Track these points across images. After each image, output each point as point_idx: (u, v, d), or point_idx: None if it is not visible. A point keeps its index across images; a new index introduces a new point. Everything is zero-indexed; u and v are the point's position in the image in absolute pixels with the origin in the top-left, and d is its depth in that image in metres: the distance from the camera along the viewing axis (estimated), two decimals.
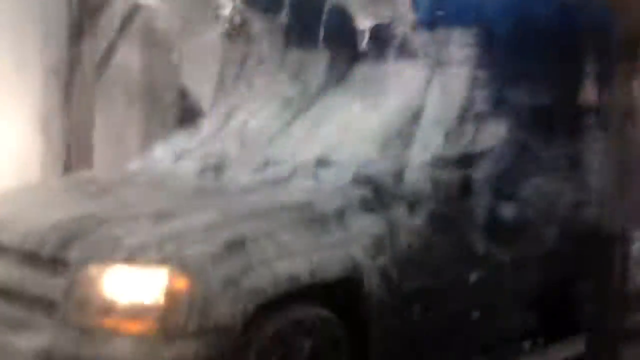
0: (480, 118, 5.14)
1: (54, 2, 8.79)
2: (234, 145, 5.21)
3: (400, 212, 4.81)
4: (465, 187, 4.99)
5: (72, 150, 8.71)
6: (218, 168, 4.97)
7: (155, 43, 9.01)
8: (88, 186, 5.03)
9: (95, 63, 8.98)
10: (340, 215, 4.57)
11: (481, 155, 5.11)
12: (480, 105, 5.17)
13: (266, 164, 5.05)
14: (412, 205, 4.87)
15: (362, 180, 4.80)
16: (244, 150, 5.19)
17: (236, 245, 4.14)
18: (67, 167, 8.51)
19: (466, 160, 5.05)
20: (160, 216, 4.26)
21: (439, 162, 4.93)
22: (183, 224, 4.20)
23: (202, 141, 5.40)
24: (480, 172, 5.07)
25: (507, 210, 5.24)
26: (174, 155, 5.33)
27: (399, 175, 4.91)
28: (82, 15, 8.89)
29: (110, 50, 9.03)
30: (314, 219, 4.48)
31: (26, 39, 8.56)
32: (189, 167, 5.04)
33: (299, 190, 4.72)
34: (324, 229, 4.49)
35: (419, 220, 4.86)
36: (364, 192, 4.74)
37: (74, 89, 8.89)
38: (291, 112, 5.43)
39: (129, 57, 9.12)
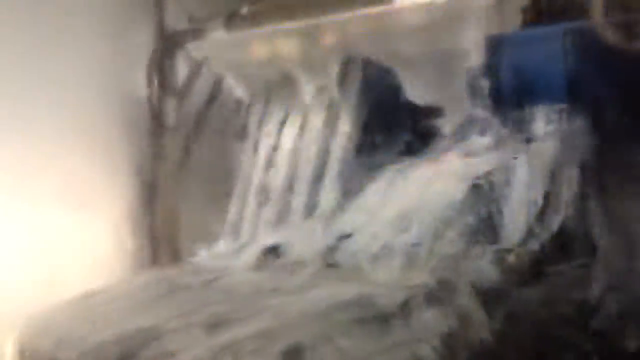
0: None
1: (135, 99, 8.76)
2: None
3: (469, 303, 4.45)
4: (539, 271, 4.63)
5: (161, 248, 8.59)
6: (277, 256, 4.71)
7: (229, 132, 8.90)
8: (152, 289, 4.85)
9: (176, 157, 8.90)
10: (404, 310, 4.27)
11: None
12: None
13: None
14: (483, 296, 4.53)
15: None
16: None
17: (292, 355, 3.89)
18: (156, 264, 8.42)
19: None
20: (215, 325, 4.05)
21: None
22: (237, 333, 3.98)
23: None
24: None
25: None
26: (238, 247, 5.13)
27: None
28: (162, 109, 8.85)
29: (190, 142, 8.95)
30: (374, 317, 4.21)
31: (111, 138, 8.51)
32: (248, 260, 4.83)
33: (358, 282, 4.44)
34: (385, 328, 4.18)
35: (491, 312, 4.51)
36: (429, 281, 4.42)
37: (158, 185, 8.83)
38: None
39: (206, 148, 9.00)
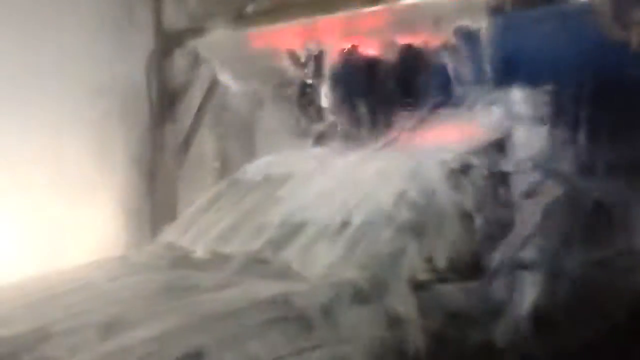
0: None
1: (134, 95, 8.30)
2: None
3: (403, 302, 3.85)
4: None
5: None
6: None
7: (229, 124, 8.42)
8: (63, 284, 4.26)
9: (176, 150, 8.40)
10: (328, 310, 3.63)
11: None
12: None
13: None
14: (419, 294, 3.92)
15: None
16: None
17: None
18: None
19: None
20: (111, 326, 3.44)
21: None
22: (133, 335, 3.37)
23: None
24: None
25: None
26: (192, 238, 4.53)
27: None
28: (161, 104, 8.36)
29: (190, 135, 8.45)
30: (292, 317, 3.57)
31: (109, 132, 8.04)
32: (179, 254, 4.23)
33: (280, 279, 3.81)
34: (304, 329, 3.54)
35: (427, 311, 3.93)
36: (359, 279, 3.78)
37: (157, 177, 8.34)
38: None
39: (205, 141, 8.50)
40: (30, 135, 7.20)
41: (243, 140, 8.26)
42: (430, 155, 4.46)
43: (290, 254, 4.06)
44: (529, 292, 4.15)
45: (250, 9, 7.31)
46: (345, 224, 4.13)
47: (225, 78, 7.63)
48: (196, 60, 8.17)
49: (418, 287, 4.02)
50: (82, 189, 7.67)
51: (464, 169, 4.40)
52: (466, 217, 4.26)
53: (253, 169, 4.95)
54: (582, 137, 4.70)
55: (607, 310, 4.47)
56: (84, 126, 7.77)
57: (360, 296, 3.85)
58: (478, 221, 4.30)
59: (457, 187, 4.32)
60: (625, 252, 4.61)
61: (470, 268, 4.08)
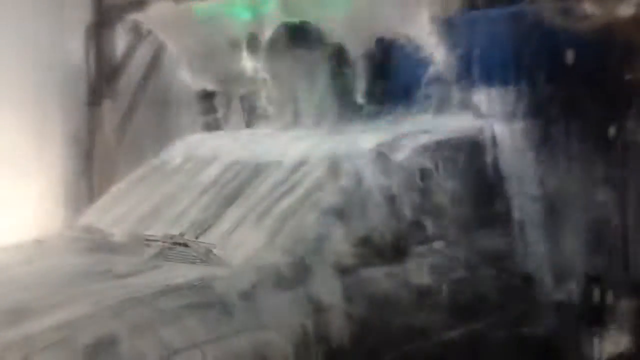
0: None
1: (72, 71, 8.05)
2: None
3: (327, 286, 3.67)
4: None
5: None
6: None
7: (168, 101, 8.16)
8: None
9: (115, 127, 8.13)
10: (249, 294, 3.44)
11: None
12: None
13: None
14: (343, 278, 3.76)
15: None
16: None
17: (102, 348, 3.10)
18: None
19: None
20: (18, 313, 3.21)
21: None
22: (39, 323, 3.14)
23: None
24: None
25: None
26: (111, 220, 4.29)
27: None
28: (100, 81, 8.10)
29: (129, 113, 8.19)
30: (210, 302, 3.37)
31: (45, 108, 7.78)
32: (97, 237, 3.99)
33: (201, 264, 3.61)
34: (223, 314, 3.34)
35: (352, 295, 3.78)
36: (282, 263, 3.59)
37: (95, 155, 8.08)
38: None
39: (146, 119, 8.24)
40: None
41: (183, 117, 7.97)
42: (361, 140, 4.27)
43: (213, 238, 3.85)
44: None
45: None
46: (269, 208, 3.93)
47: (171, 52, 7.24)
48: (137, 35, 7.93)
49: (343, 271, 3.85)
50: (18, 165, 7.44)
51: (393, 154, 4.21)
52: (392, 201, 4.08)
53: (176, 150, 4.71)
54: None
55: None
56: (20, 101, 7.56)
57: (283, 281, 3.67)
58: (404, 205, 4.13)
59: (385, 171, 4.14)
60: None
61: (395, 252, 3.90)
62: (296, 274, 3.72)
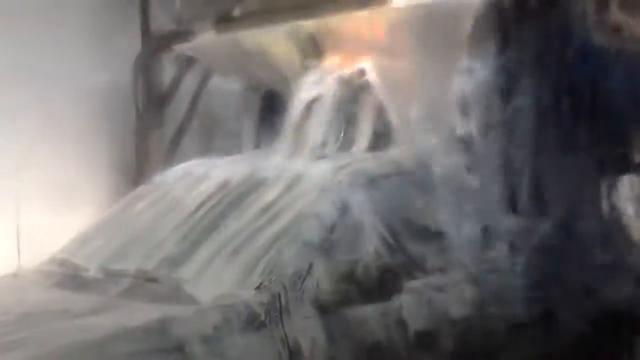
0: None
1: (120, 100, 7.77)
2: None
3: (306, 325, 3.23)
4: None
5: None
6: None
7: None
8: None
9: (162, 155, 7.84)
10: (212, 337, 3.01)
11: None
12: None
13: None
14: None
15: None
16: None
17: None
18: None
19: None
20: None
21: None
22: None
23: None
24: None
25: None
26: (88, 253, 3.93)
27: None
28: (147, 110, 7.82)
29: (176, 141, 7.88)
30: (165, 349, 2.95)
31: (93, 139, 7.55)
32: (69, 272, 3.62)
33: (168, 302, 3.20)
34: None
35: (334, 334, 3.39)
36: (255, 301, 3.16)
37: (142, 183, 7.78)
38: None
39: (192, 148, 7.92)
40: (13, 138, 6.70)
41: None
42: (349, 164, 3.81)
43: (186, 273, 3.44)
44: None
45: (237, 11, 6.59)
46: (249, 239, 3.49)
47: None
48: (183, 64, 7.69)
49: (324, 311, 3.38)
50: (67, 196, 7.19)
51: (382, 179, 3.75)
52: (380, 233, 3.61)
53: (171, 173, 4.32)
54: None
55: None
56: (68, 129, 7.33)
57: (254, 322, 3.21)
58: (393, 238, 3.65)
59: (372, 199, 3.67)
60: None
61: (382, 288, 3.41)
62: (270, 314, 3.28)
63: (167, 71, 7.90)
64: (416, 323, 3.64)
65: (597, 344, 4.05)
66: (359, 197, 3.70)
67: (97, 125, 7.60)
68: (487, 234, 4.05)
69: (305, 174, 3.78)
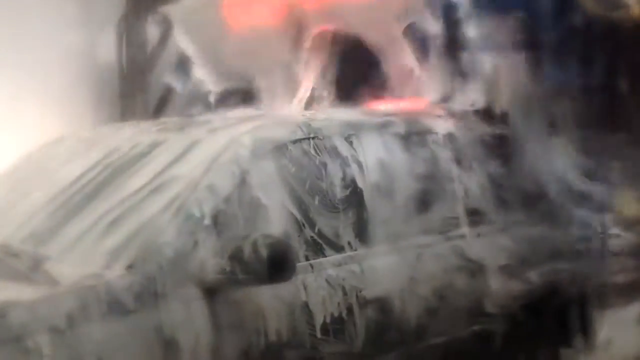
0: None
1: (104, 64, 7.31)
2: None
3: (185, 308, 2.73)
4: None
5: None
6: None
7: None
8: None
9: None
10: (60, 329, 2.46)
11: None
12: None
13: None
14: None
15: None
16: None
17: None
18: None
19: None
20: None
21: None
22: None
23: None
24: None
25: None
26: None
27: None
28: (132, 73, 7.34)
29: (161, 105, 7.37)
30: (3, 339, 2.41)
31: (78, 102, 7.07)
32: None
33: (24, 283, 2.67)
34: (20, 356, 2.39)
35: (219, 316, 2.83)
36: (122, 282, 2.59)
37: None
38: None
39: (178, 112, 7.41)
40: None
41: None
42: (254, 129, 3.21)
43: (52, 249, 2.87)
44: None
45: None
46: (125, 214, 2.92)
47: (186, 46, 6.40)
48: (168, 27, 7.12)
49: (210, 293, 2.80)
50: None
51: (290, 145, 3.15)
52: (284, 207, 3.02)
53: (64, 141, 3.75)
54: None
55: None
56: (52, 95, 6.95)
57: (121, 307, 2.65)
58: (300, 211, 3.06)
59: (277, 168, 3.07)
60: None
61: (275, 267, 2.82)
62: (141, 298, 2.71)
63: (151, 33, 7.43)
64: (322, 308, 3.06)
65: None
66: (261, 166, 3.10)
67: (81, 88, 7.19)
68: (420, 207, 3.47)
69: (202, 141, 3.18)
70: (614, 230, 4.49)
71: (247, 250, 2.82)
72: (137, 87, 7.40)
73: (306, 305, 3.03)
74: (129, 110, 7.37)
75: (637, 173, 4.48)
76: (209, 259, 2.85)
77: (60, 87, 6.98)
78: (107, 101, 7.36)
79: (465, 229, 3.51)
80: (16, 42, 6.58)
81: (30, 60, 6.59)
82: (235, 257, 2.83)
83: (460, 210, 3.52)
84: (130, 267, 2.79)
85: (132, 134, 3.41)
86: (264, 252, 2.81)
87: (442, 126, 3.59)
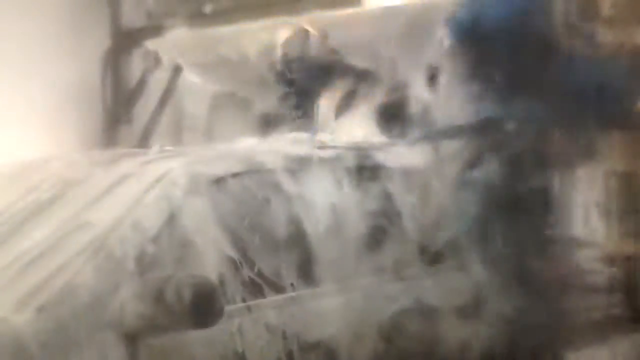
0: None
1: (88, 94, 7.13)
2: None
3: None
4: None
5: None
6: None
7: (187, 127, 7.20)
8: None
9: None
10: None
11: None
12: None
13: None
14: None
15: None
16: None
17: None
18: None
19: None
20: None
21: None
22: None
23: None
24: None
25: None
26: None
27: None
28: (116, 106, 7.16)
29: (145, 137, 7.18)
30: None
31: (61, 133, 6.88)
32: None
33: None
34: None
35: None
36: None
37: None
38: None
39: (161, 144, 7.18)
40: None
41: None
42: (193, 162, 2.94)
43: None
44: None
45: (208, 8, 6.35)
46: (42, 254, 2.64)
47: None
48: (154, 60, 6.97)
49: (129, 339, 2.52)
50: None
51: (230, 180, 2.87)
52: (219, 246, 2.74)
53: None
54: None
55: None
56: (35, 125, 6.67)
57: (27, 356, 2.36)
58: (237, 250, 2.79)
59: (213, 204, 2.80)
60: None
61: (199, 311, 2.53)
62: (50, 347, 2.42)
63: (137, 67, 7.26)
64: (259, 355, 2.77)
65: None
66: (195, 203, 2.82)
67: (65, 119, 6.98)
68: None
69: (131, 176, 2.91)
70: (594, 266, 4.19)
71: (169, 292, 2.54)
72: (121, 119, 7.20)
73: (242, 353, 2.74)
74: (112, 142, 7.19)
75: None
76: (129, 302, 2.57)
77: (43, 121, 6.79)
78: (90, 133, 7.17)
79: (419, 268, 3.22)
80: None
81: (13, 92, 6.35)
82: (157, 299, 2.55)
83: (413, 249, 3.22)
84: (40, 310, 2.51)
85: (58, 168, 3.14)
86: (187, 293, 2.53)
87: (395, 159, 3.31)
